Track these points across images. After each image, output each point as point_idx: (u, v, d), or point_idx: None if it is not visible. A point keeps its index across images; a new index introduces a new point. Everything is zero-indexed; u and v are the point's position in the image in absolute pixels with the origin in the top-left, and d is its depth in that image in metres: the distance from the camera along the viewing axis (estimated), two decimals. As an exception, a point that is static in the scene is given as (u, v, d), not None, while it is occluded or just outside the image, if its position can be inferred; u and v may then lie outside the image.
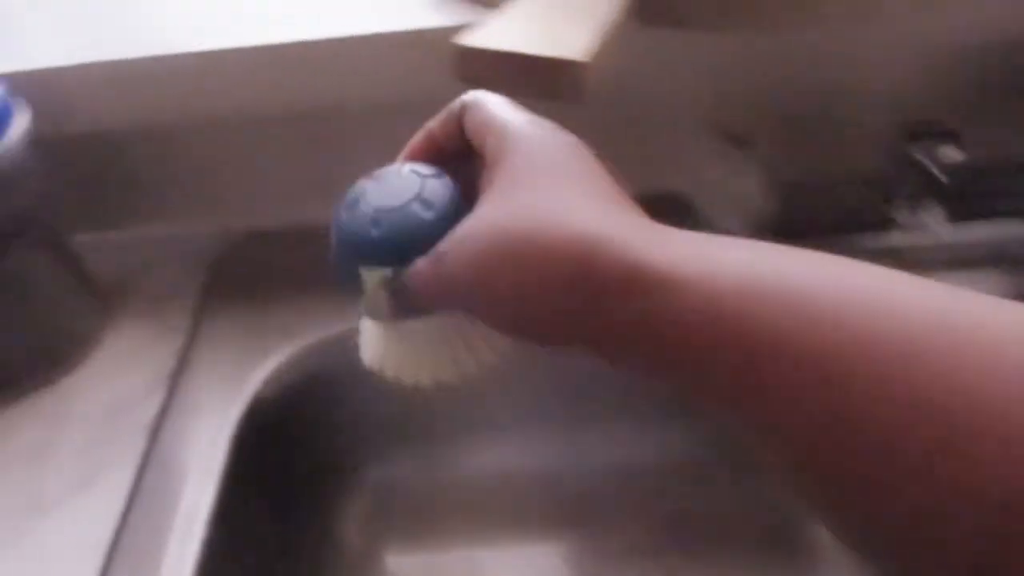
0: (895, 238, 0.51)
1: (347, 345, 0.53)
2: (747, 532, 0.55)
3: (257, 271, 0.57)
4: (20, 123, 0.45)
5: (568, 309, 0.25)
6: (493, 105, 0.29)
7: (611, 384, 0.56)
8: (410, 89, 0.52)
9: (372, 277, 0.30)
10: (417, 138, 0.32)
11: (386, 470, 0.58)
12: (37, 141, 0.47)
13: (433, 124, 0.31)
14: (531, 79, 0.37)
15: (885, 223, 0.52)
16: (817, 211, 0.54)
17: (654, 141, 0.57)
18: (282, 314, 0.53)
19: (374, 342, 0.37)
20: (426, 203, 0.29)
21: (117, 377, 0.50)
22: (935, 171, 0.48)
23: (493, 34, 0.38)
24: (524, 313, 0.26)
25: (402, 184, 0.30)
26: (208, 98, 0.51)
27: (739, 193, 0.50)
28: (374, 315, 0.33)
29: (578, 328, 0.25)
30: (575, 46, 0.37)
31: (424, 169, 0.31)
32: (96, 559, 0.40)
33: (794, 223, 0.52)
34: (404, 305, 0.29)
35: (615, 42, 0.40)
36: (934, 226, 0.50)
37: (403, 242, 0.29)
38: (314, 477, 0.55)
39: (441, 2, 0.50)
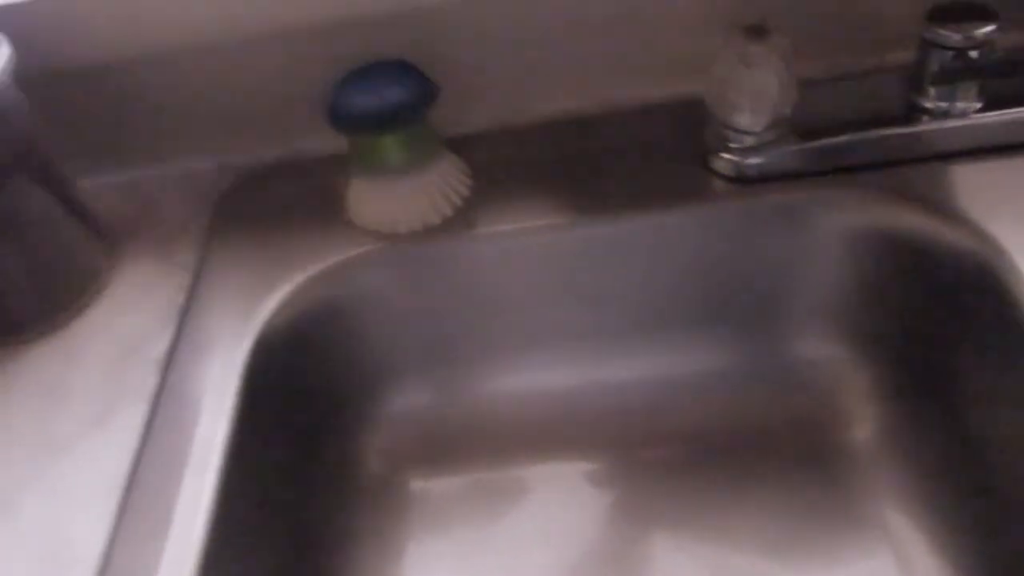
0: (924, 127, 0.48)
1: (354, 273, 0.52)
2: (785, 450, 0.54)
3: (262, 205, 0.56)
4: (2, 56, 0.43)
5: None
6: None
7: (635, 301, 0.55)
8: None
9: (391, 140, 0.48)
10: None
11: (404, 397, 0.57)
12: (24, 78, 0.46)
13: None
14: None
15: (913, 114, 0.49)
16: (839, 106, 0.51)
17: (663, 39, 0.54)
18: (288, 246, 0.52)
19: (362, 199, 0.52)
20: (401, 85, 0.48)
21: (126, 316, 0.49)
22: (965, 49, 0.45)
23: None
24: None
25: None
26: (200, 17, 0.50)
27: (759, 92, 0.47)
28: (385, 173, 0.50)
29: None
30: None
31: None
32: (113, 495, 0.40)
33: (816, 119, 0.50)
34: None
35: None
36: (966, 111, 0.47)
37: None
38: (330, 407, 0.54)
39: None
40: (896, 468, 0.51)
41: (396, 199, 0.51)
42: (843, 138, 0.49)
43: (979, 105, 0.47)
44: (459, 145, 0.54)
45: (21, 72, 0.45)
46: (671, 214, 0.51)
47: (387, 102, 0.47)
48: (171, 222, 0.55)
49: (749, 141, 0.49)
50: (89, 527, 0.39)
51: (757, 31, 0.46)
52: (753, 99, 0.48)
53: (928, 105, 0.48)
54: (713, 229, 0.51)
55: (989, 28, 0.44)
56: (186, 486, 0.41)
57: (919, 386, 0.51)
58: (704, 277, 0.53)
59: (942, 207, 0.46)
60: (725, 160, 0.50)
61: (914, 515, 0.49)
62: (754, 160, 0.50)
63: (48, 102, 0.49)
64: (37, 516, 0.40)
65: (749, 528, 0.51)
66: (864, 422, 0.53)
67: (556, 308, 0.55)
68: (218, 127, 0.58)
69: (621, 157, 0.54)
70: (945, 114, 0.48)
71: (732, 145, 0.50)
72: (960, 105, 0.47)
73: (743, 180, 0.50)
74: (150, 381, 0.46)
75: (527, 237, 0.52)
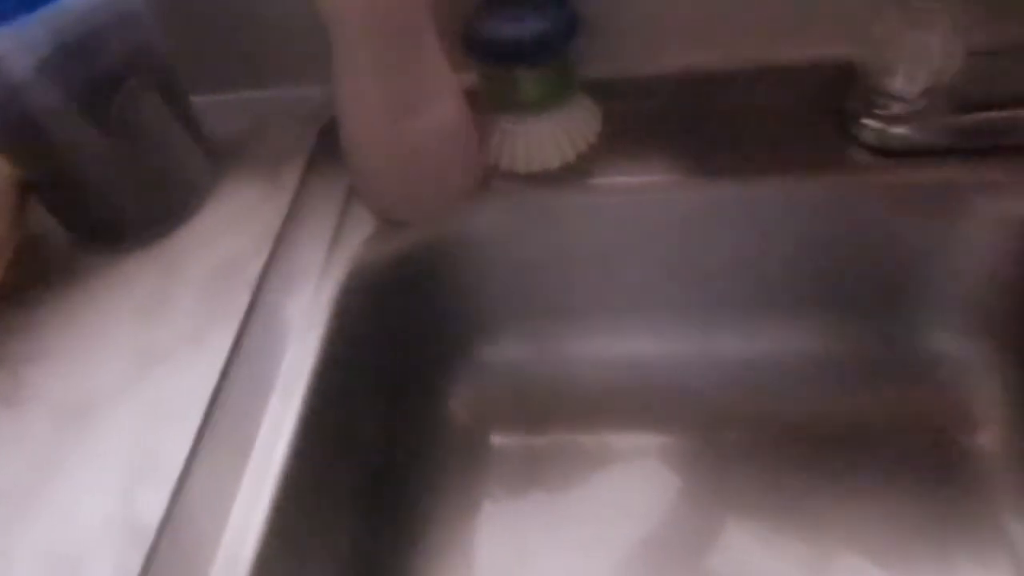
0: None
1: (457, 211, 0.50)
2: (893, 448, 0.50)
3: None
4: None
5: None
6: None
7: (749, 275, 0.52)
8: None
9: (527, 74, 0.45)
10: None
11: (497, 348, 0.56)
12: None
13: None
14: None
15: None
16: (1006, 80, 0.46)
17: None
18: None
19: (499, 139, 0.48)
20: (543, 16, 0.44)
21: (224, 234, 0.49)
22: None
23: None
24: None
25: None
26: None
27: (920, 53, 0.43)
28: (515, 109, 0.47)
29: None
30: None
31: None
32: (198, 411, 0.40)
33: (978, 93, 0.45)
34: None
35: None
36: None
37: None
38: (421, 350, 0.53)
39: None
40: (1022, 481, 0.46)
41: (521, 137, 0.48)
42: (1004, 113, 0.44)
43: None
44: (591, 88, 0.50)
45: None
46: (801, 183, 0.47)
47: (527, 32, 0.43)
48: (276, 146, 0.54)
49: (899, 109, 0.45)
50: (173, 441, 0.39)
51: (927, -13, 0.42)
52: (911, 61, 0.43)
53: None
54: (846, 203, 0.47)
55: None
56: (269, 412, 0.40)
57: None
58: (828, 254, 0.49)
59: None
60: (869, 128, 0.46)
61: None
62: (901, 130, 0.45)
63: (175, 15, 0.49)
64: (125, 424, 0.40)
65: (843, 527, 0.47)
66: (990, 427, 0.49)
67: (664, 272, 0.52)
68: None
69: (757, 118, 0.50)
70: None
71: (879, 112, 0.45)
72: None
73: (886, 152, 0.46)
74: (242, 301, 0.45)
75: (645, 194, 0.49)
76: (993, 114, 0.45)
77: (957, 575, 0.44)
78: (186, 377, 0.42)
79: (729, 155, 0.48)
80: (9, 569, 0.35)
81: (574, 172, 0.49)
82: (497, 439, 0.54)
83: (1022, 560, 0.44)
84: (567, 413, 0.55)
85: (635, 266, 0.52)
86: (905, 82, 0.44)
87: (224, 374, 0.42)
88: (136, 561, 0.35)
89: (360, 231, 0.48)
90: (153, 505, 0.36)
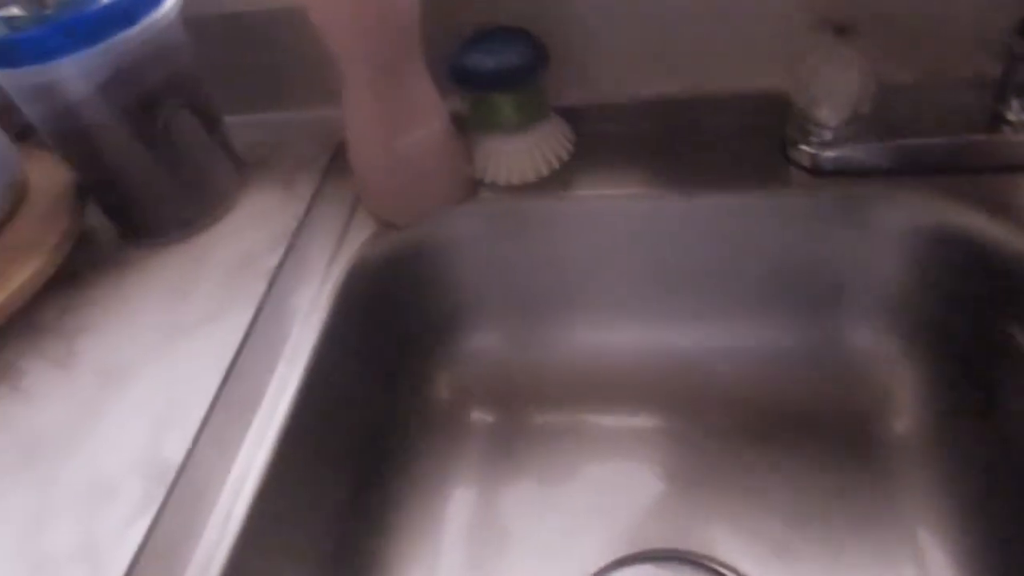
0: (1004, 137, 0.49)
1: (449, 217, 0.58)
2: (826, 432, 0.56)
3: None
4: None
5: None
6: None
7: (709, 276, 0.58)
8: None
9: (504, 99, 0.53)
10: None
11: (480, 337, 0.63)
12: (194, 18, 0.54)
13: None
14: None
15: (994, 123, 0.49)
16: (921, 110, 0.52)
17: (748, 33, 0.57)
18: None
19: (482, 156, 0.57)
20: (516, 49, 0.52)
21: (247, 233, 0.57)
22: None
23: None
24: None
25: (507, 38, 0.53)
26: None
27: (839, 87, 0.50)
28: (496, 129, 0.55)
29: None
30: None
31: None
32: (217, 375, 0.48)
33: (896, 121, 0.51)
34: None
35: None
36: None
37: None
38: (411, 334, 0.60)
39: None
40: (930, 468, 0.52)
41: (501, 155, 0.56)
42: (919, 140, 0.51)
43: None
44: (566, 114, 0.59)
45: (189, 14, 0.54)
46: (747, 197, 0.54)
47: (502, 63, 0.52)
48: (296, 159, 0.63)
49: (827, 135, 0.52)
50: (194, 398, 0.46)
51: (844, 31, 0.49)
52: (833, 94, 0.50)
53: (1010, 117, 0.49)
54: (784, 215, 0.54)
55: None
56: (275, 379, 0.48)
57: (967, 391, 0.52)
58: (771, 260, 0.56)
59: (1008, 215, 0.47)
60: (803, 151, 0.53)
61: (940, 517, 0.50)
62: (830, 153, 0.52)
63: (214, 47, 0.58)
64: (154, 385, 0.48)
65: (781, 500, 0.53)
66: (906, 417, 0.54)
67: (632, 272, 0.59)
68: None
69: (709, 141, 0.57)
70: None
71: (811, 138, 0.52)
72: (1041, 118, 0.48)
73: (818, 172, 0.52)
74: (259, 288, 0.53)
75: (612, 203, 0.56)
76: (909, 140, 0.51)
77: (860, 550, 0.50)
78: (208, 348, 0.50)
79: (684, 173, 0.55)
80: (57, 491, 0.43)
81: (549, 184, 0.57)
82: (476, 415, 0.62)
83: (920, 543, 0.50)
84: (540, 396, 0.62)
85: (603, 266, 0.59)
86: (830, 112, 0.50)
87: (240, 347, 0.49)
88: (160, 491, 0.42)
89: (363, 233, 0.56)
90: (176, 447, 0.44)
